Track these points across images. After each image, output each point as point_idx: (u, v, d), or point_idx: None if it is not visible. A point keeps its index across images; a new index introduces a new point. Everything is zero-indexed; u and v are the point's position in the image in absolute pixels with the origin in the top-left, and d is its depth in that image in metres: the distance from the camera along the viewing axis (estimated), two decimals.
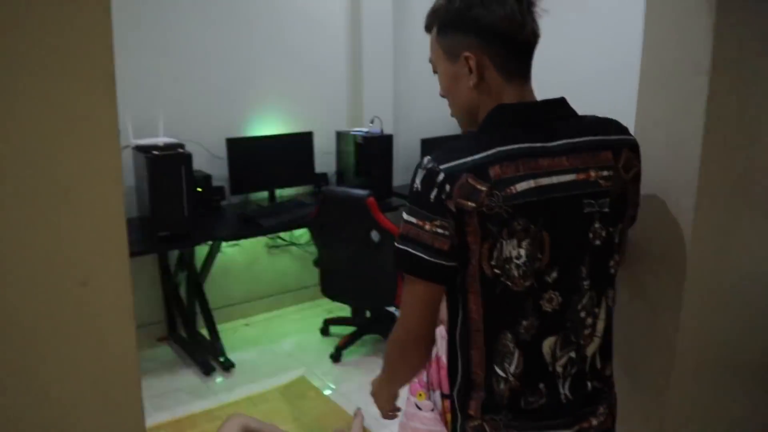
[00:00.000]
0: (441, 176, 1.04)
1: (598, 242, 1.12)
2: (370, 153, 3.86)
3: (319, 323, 3.83)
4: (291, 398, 3.09)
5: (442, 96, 1.24)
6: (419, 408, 2.00)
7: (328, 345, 3.58)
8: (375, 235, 3.18)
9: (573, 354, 1.15)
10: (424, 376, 2.04)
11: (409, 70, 4.38)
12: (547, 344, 1.13)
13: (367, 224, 3.15)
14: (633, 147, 1.17)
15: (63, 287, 0.54)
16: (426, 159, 1.08)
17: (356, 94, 4.21)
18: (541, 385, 1.14)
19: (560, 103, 1.15)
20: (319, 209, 3.28)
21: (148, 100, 3.38)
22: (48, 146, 0.50)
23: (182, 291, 3.62)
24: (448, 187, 1.03)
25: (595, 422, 1.20)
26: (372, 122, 4.00)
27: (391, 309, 3.77)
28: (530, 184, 1.05)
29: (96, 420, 0.58)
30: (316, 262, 3.53)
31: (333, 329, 3.80)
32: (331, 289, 3.48)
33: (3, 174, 0.48)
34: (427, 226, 1.05)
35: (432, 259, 1.07)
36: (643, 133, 1.37)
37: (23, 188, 0.50)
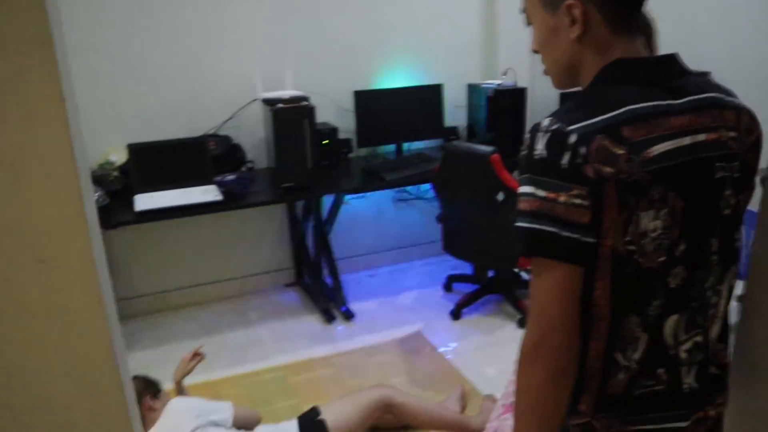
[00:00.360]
0: (573, 137, 0.91)
1: (727, 211, 1.01)
2: (502, 107, 3.67)
3: (443, 279, 3.79)
4: (406, 352, 3.10)
5: (535, 51, 1.11)
6: None
7: (450, 301, 3.53)
8: (500, 195, 3.03)
9: (699, 338, 1.04)
10: None
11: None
12: (669, 325, 1.02)
13: (491, 182, 3.02)
14: (750, 111, 1.02)
15: (20, 265, 0.51)
16: (546, 121, 0.95)
17: (491, 44, 4.00)
18: (661, 371, 1.03)
19: (675, 59, 1.02)
20: (441, 164, 3.19)
21: (276, 54, 3.45)
22: None
23: (310, 241, 3.72)
24: (583, 150, 0.90)
25: (712, 413, 1.08)
26: (505, 74, 3.79)
27: (516, 270, 3.63)
28: (665, 146, 0.94)
29: (71, 397, 0.56)
30: (439, 218, 3.46)
31: (456, 286, 3.75)
32: (452, 245, 3.41)
33: None
34: (562, 198, 0.90)
35: (572, 236, 0.91)
36: None
37: None
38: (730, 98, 1.02)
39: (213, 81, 3.36)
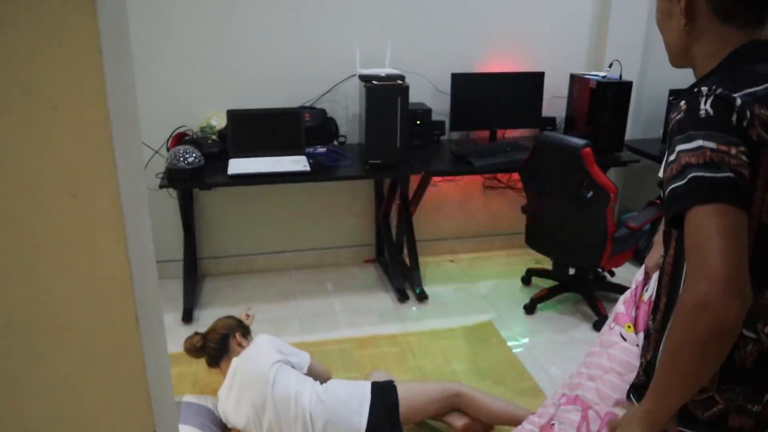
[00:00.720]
0: (738, 101, 0.94)
1: None
2: (604, 100, 3.53)
3: (523, 272, 3.73)
4: (473, 340, 3.09)
5: (659, 26, 1.15)
6: (624, 338, 1.87)
7: (526, 295, 3.48)
8: (588, 191, 2.94)
9: None
10: (633, 310, 1.94)
11: None
12: None
13: (580, 176, 2.93)
14: None
15: (54, 198, 0.56)
16: (705, 87, 0.97)
17: (600, 34, 3.85)
18: None
19: None
20: (531, 154, 3.12)
21: (377, 31, 3.47)
22: (34, 66, 0.52)
23: (393, 219, 3.76)
24: (749, 114, 0.94)
25: None
26: (610, 66, 3.64)
27: (598, 270, 3.51)
28: None
29: (91, 323, 0.62)
30: (524, 209, 3.40)
31: (535, 280, 3.68)
32: (534, 238, 3.35)
33: None
34: (733, 151, 0.92)
35: (745, 185, 0.91)
36: None
37: (12, 105, 0.52)
38: None
39: (314, 54, 3.44)
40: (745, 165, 0.92)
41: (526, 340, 3.11)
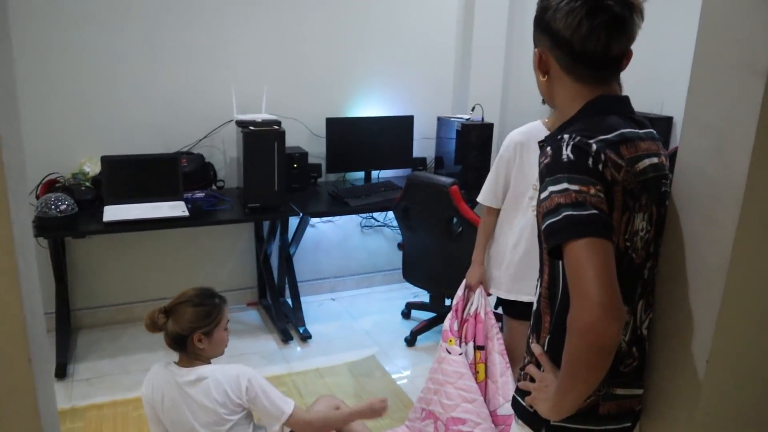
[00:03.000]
0: (594, 147, 1.09)
1: (663, 216, 1.26)
2: (469, 141, 3.80)
3: (403, 306, 3.87)
4: (358, 375, 3.16)
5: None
6: (449, 352, 2.22)
7: (407, 328, 3.61)
8: (457, 225, 3.14)
9: (651, 316, 1.29)
10: (455, 324, 2.29)
11: (523, 57, 4.24)
12: (640, 308, 1.25)
13: (449, 212, 3.13)
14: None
15: None
16: (564, 136, 1.12)
17: (462, 81, 4.16)
18: (634, 348, 1.26)
19: (629, 99, 1.25)
20: (403, 193, 3.29)
21: (253, 77, 3.55)
22: None
23: (274, 262, 3.79)
24: (603, 157, 1.09)
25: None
26: (473, 110, 3.94)
27: None
28: (644, 163, 1.16)
29: None
30: (400, 245, 3.56)
31: (414, 313, 3.83)
32: (411, 273, 3.50)
33: None
34: (592, 191, 1.06)
35: (607, 219, 1.06)
36: (689, 139, 1.26)
37: None
38: (653, 131, 1.25)
39: (191, 100, 3.45)
40: (603, 201, 1.06)
41: (408, 372, 3.22)
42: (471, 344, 2.34)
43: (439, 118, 4.04)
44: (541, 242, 1.27)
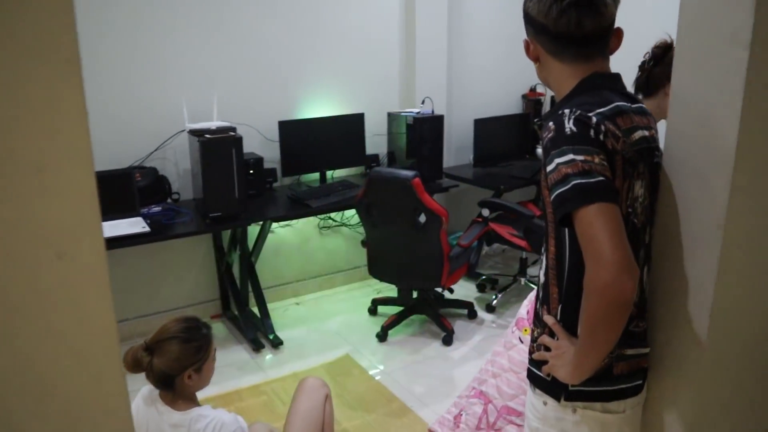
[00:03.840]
0: (594, 119, 1.15)
1: (656, 185, 1.33)
2: (421, 134, 3.85)
3: (368, 303, 3.87)
4: (335, 375, 3.15)
5: None
6: (521, 341, 2.16)
7: (376, 324, 3.62)
8: (422, 217, 3.18)
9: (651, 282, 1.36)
10: (531, 310, 2.22)
11: (465, 50, 4.32)
12: (644, 273, 1.32)
13: (413, 205, 3.15)
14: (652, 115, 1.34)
15: (40, 260, 0.56)
16: (565, 110, 1.17)
17: (409, 75, 4.20)
18: (645, 309, 1.35)
19: (620, 75, 1.32)
20: (365, 190, 3.30)
21: (202, 85, 3.48)
22: (20, 132, 0.53)
23: (236, 270, 3.72)
24: (603, 128, 1.15)
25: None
26: (423, 103, 3.99)
27: (438, 290, 3.77)
28: (638, 134, 1.23)
29: (78, 385, 0.62)
30: (364, 243, 3.56)
31: (381, 309, 3.84)
32: (377, 269, 3.51)
33: None
34: (597, 159, 1.11)
35: (612, 184, 1.12)
36: (677, 109, 1.33)
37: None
38: (644, 105, 1.31)
39: (139, 112, 3.34)
40: (607, 169, 1.12)
41: (384, 366, 3.24)
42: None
43: (389, 114, 4.06)
44: (545, 215, 1.32)
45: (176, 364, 1.74)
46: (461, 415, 2.21)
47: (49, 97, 0.53)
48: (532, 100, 4.66)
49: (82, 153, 0.55)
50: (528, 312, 2.22)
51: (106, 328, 0.61)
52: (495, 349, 2.25)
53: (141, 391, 1.85)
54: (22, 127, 0.53)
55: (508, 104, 4.66)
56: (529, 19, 1.26)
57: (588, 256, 1.09)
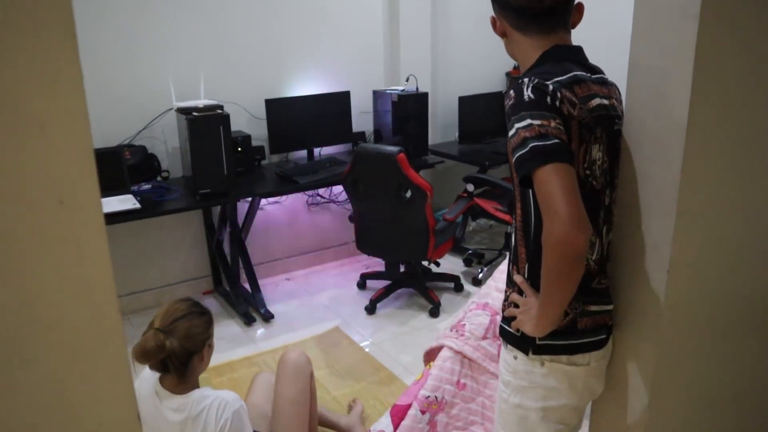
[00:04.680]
0: (550, 87, 1.23)
1: (617, 150, 1.41)
2: (406, 111, 3.92)
3: (357, 277, 3.97)
4: (325, 347, 3.25)
5: None
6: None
7: (364, 298, 3.72)
8: (408, 192, 3.26)
9: (610, 238, 1.45)
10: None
11: (448, 28, 4.38)
12: (603, 232, 1.40)
13: (398, 180, 3.23)
14: (617, 86, 1.44)
15: (44, 204, 0.64)
16: (524, 79, 1.26)
17: (393, 53, 4.25)
18: (606, 267, 1.44)
19: (581, 48, 1.41)
20: (351, 166, 3.37)
21: (189, 64, 3.53)
22: (24, 92, 0.61)
23: (226, 247, 3.80)
24: (559, 95, 1.23)
25: None
26: (407, 80, 4.05)
27: (425, 264, 3.86)
28: (596, 102, 1.31)
29: (78, 320, 0.70)
30: (351, 218, 3.65)
31: (369, 283, 3.94)
32: (365, 243, 3.60)
33: None
34: (552, 124, 1.20)
35: (567, 146, 1.20)
36: (634, 79, 1.41)
37: (4, 124, 0.61)
38: (606, 76, 1.40)
39: (127, 91, 3.40)
40: (563, 132, 1.21)
41: (373, 338, 3.34)
42: None
43: (374, 92, 4.13)
44: (513, 178, 1.41)
45: (198, 339, 1.76)
46: (463, 325, 2.18)
47: (50, 61, 0.61)
48: (515, 77, 4.73)
49: (78, 111, 0.63)
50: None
51: (102, 264, 0.69)
52: (500, 267, 2.29)
53: (137, 382, 1.83)
54: (25, 88, 0.61)
55: (492, 82, 4.72)
56: None
57: (544, 212, 1.18)
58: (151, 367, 1.76)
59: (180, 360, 1.72)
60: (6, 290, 0.65)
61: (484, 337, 2.14)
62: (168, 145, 3.57)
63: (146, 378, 1.82)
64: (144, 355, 1.70)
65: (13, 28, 0.60)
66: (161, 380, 1.79)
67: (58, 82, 0.62)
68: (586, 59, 1.39)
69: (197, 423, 1.74)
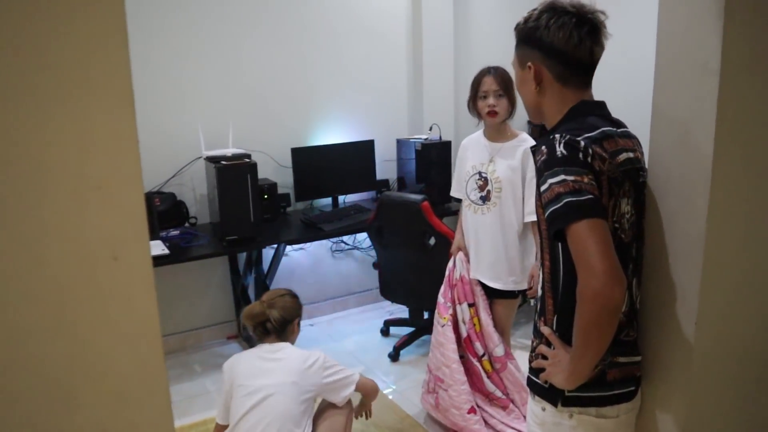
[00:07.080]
0: (582, 143, 1.26)
1: (643, 203, 1.43)
2: (429, 159, 3.97)
3: (380, 324, 3.97)
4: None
5: (518, 91, 1.50)
6: (441, 326, 2.82)
7: (388, 345, 3.71)
8: (431, 240, 3.28)
9: (641, 294, 1.46)
10: (448, 293, 2.83)
11: (470, 77, 4.45)
12: (633, 285, 1.41)
13: (422, 228, 3.27)
14: (637, 138, 1.46)
15: (99, 260, 0.69)
16: (556, 135, 1.28)
17: (416, 102, 4.34)
18: (634, 322, 1.44)
19: (605, 104, 1.44)
20: (376, 213, 3.42)
21: (218, 114, 3.64)
22: (84, 157, 0.66)
23: (251, 293, 3.84)
24: (591, 151, 1.26)
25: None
26: (431, 129, 4.12)
27: None
28: (623, 156, 1.33)
29: (126, 367, 0.73)
30: (375, 265, 3.67)
31: (393, 330, 3.93)
32: (389, 290, 3.61)
33: (54, 176, 0.64)
34: (586, 179, 1.22)
35: (601, 201, 1.23)
36: (658, 132, 1.44)
37: (64, 187, 0.65)
38: (629, 129, 1.44)
39: (158, 139, 3.50)
40: (595, 188, 1.23)
41: (396, 385, 3.32)
42: (465, 304, 2.77)
43: (398, 140, 4.20)
44: (540, 232, 1.43)
45: (293, 311, 2.31)
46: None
47: (110, 129, 0.66)
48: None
49: (133, 174, 0.68)
50: (443, 297, 2.84)
51: (150, 317, 0.73)
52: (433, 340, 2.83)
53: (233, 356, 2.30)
54: (86, 153, 0.65)
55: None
56: (540, 44, 1.36)
57: (579, 267, 1.20)
58: (254, 330, 2.26)
59: (278, 324, 2.23)
60: (60, 339, 0.68)
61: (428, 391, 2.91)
62: (196, 192, 3.65)
63: (245, 354, 2.29)
64: (250, 317, 2.25)
65: (78, 98, 0.65)
66: (261, 342, 2.27)
67: (117, 148, 0.66)
68: (610, 114, 1.42)
69: (296, 352, 2.22)
